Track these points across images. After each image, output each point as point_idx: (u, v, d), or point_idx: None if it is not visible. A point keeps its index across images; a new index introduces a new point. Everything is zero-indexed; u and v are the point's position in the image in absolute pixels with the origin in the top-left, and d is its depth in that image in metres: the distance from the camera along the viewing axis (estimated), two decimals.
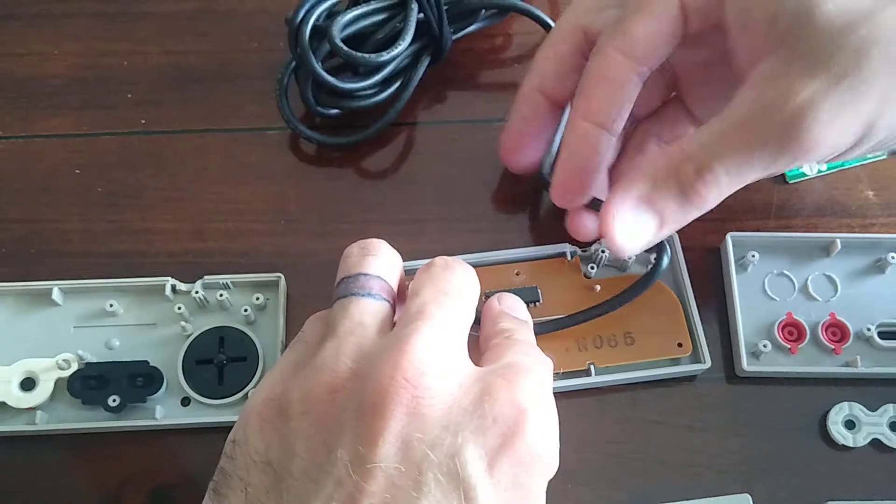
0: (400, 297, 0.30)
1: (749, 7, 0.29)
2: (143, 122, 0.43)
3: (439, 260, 0.30)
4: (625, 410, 0.37)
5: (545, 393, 0.27)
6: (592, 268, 0.37)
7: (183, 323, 0.37)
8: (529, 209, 0.41)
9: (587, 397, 0.36)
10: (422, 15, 0.41)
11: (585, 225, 0.35)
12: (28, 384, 0.36)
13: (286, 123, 0.42)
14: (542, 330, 0.35)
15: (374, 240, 0.30)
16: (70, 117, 0.43)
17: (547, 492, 0.26)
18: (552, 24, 0.43)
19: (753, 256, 0.38)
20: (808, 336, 0.37)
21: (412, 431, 0.24)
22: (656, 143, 0.37)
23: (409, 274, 0.31)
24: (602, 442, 0.36)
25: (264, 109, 0.43)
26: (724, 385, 0.37)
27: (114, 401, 0.35)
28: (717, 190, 0.29)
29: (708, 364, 0.36)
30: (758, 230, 0.40)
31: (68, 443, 0.36)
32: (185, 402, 0.36)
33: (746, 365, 0.36)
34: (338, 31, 0.39)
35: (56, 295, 0.37)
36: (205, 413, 0.36)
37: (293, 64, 0.42)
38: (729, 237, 0.38)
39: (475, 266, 0.31)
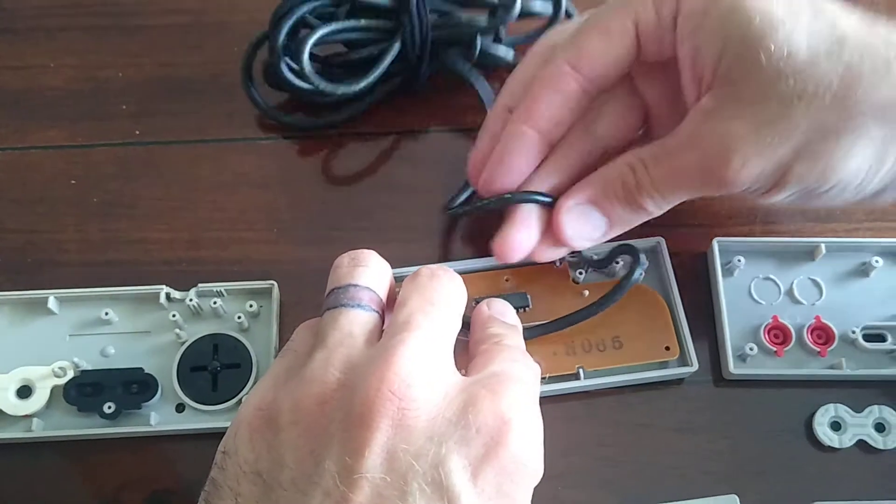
0: (389, 306, 0.31)
1: (699, 44, 0.31)
2: (137, 132, 0.44)
3: (425, 269, 0.30)
4: (614, 414, 0.37)
5: (529, 402, 0.27)
6: (581, 273, 0.38)
7: (177, 330, 0.37)
8: None
9: (576, 401, 0.37)
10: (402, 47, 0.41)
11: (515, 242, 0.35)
12: (24, 392, 0.36)
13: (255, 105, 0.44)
14: (527, 335, 0.36)
15: (365, 251, 0.31)
16: (65, 129, 0.44)
17: (537, 495, 0.27)
18: None
19: (739, 261, 0.39)
20: (793, 339, 0.38)
21: (398, 442, 0.24)
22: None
23: (399, 281, 0.31)
24: (591, 445, 0.36)
25: (256, 119, 0.44)
26: (711, 388, 0.38)
27: (109, 408, 0.35)
28: (657, 204, 0.33)
29: (695, 367, 0.37)
30: (744, 235, 0.40)
31: (64, 450, 0.36)
32: (180, 408, 0.37)
33: (733, 368, 0.37)
34: (309, 47, 0.39)
35: (52, 304, 0.38)
36: (199, 419, 0.36)
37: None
38: (715, 242, 0.39)
39: (464, 273, 0.32)
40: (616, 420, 0.37)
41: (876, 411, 0.37)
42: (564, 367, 0.36)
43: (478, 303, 0.33)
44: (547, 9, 0.44)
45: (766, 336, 0.38)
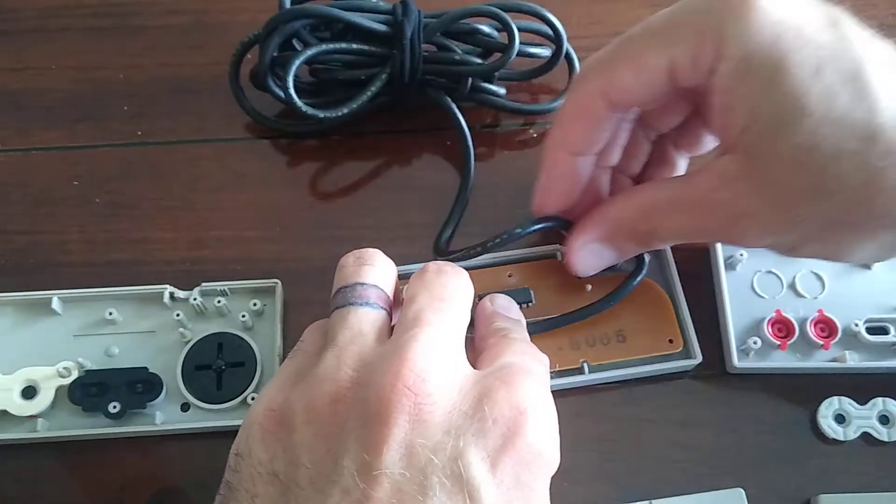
0: (395, 304, 0.31)
1: (730, 106, 0.30)
2: (139, 133, 0.44)
3: (432, 265, 0.30)
4: (618, 408, 0.37)
5: (543, 391, 0.27)
6: None
7: (181, 329, 0.37)
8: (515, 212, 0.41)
9: (581, 395, 0.37)
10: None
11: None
12: (29, 392, 0.36)
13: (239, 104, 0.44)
14: (532, 330, 0.36)
15: (369, 249, 0.31)
16: (67, 130, 0.44)
17: None
18: None
19: (742, 255, 0.39)
20: (796, 332, 0.38)
21: (415, 437, 0.24)
22: (673, 149, 0.37)
23: (403, 279, 0.31)
24: (596, 440, 0.36)
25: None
26: (715, 382, 0.38)
27: (114, 407, 0.35)
28: (667, 244, 0.34)
29: (699, 359, 0.37)
30: None
31: (69, 450, 0.36)
32: (185, 407, 0.37)
33: (737, 362, 0.37)
34: (294, 70, 0.40)
35: (56, 304, 0.38)
36: (204, 418, 0.36)
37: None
38: None
39: (468, 269, 0.32)
40: (621, 415, 0.37)
41: (880, 404, 0.37)
42: (569, 362, 0.37)
43: (481, 298, 0.33)
44: (544, 52, 0.43)
45: (770, 330, 0.38)
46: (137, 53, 0.46)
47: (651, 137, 0.37)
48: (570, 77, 0.45)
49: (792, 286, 0.39)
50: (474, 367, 0.28)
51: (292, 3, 0.41)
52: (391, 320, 0.30)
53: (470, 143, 0.42)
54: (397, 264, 0.32)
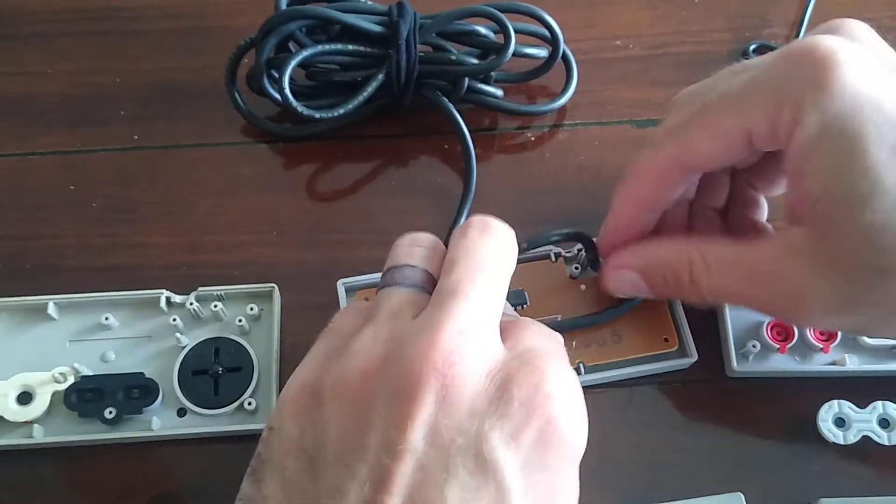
0: None
1: (806, 173, 0.29)
2: (136, 137, 0.44)
3: (476, 221, 0.29)
4: (618, 413, 0.37)
5: (568, 375, 0.27)
6: (577, 268, 0.38)
7: (178, 335, 0.37)
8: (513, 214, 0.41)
9: None
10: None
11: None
12: (25, 398, 0.36)
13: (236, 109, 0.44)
14: None
15: (424, 233, 0.30)
16: (64, 134, 0.44)
17: None
18: None
19: None
20: (796, 336, 0.37)
21: (441, 418, 0.24)
22: (751, 190, 0.37)
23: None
24: (596, 444, 0.36)
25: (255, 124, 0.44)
26: (714, 386, 0.38)
27: (110, 413, 0.35)
28: (701, 301, 0.33)
29: (694, 358, 0.37)
30: None
31: (66, 456, 0.36)
32: (182, 412, 0.36)
33: (736, 365, 0.37)
34: (290, 70, 0.40)
35: (51, 309, 0.37)
36: (201, 423, 0.36)
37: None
38: None
39: None
40: (620, 419, 0.37)
41: (880, 407, 0.36)
42: None
43: None
44: (541, 53, 0.44)
45: (769, 333, 0.37)
46: (135, 58, 0.46)
47: (728, 171, 0.36)
48: (568, 78, 0.45)
49: None
50: (505, 348, 0.28)
51: (288, 5, 0.41)
52: None
53: (470, 143, 0.42)
54: None
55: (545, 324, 0.36)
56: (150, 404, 0.36)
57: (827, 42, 0.28)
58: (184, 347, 0.37)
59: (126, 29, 0.47)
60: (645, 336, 0.37)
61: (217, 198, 0.42)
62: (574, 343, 0.37)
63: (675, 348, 0.37)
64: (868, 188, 0.27)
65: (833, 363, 0.37)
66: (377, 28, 0.41)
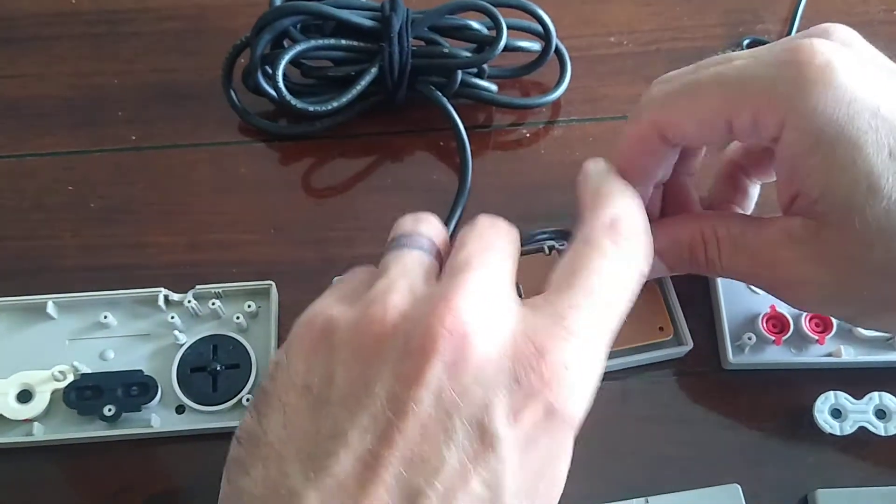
0: (446, 260, 0.30)
1: (801, 174, 0.29)
2: (133, 138, 0.44)
3: (485, 218, 0.30)
4: (615, 406, 0.37)
5: (579, 352, 0.26)
6: None
7: (176, 332, 0.37)
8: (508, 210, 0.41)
9: None
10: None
11: None
12: (24, 396, 0.36)
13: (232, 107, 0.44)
14: None
15: (426, 213, 0.31)
16: (62, 136, 0.44)
17: None
18: None
19: None
20: (791, 328, 0.38)
21: (447, 382, 0.24)
22: (744, 177, 0.37)
23: None
24: (593, 437, 0.36)
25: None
26: (711, 378, 0.38)
27: (109, 410, 0.35)
28: (721, 277, 0.35)
29: (690, 346, 0.37)
30: None
31: (65, 453, 0.36)
32: (180, 409, 0.37)
33: (732, 358, 0.37)
34: (284, 63, 0.40)
35: (51, 308, 0.38)
36: (200, 420, 0.36)
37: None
38: None
39: None
40: (617, 412, 0.37)
41: (876, 398, 0.36)
42: None
43: None
44: (534, 46, 0.44)
45: (765, 325, 0.38)
46: (131, 59, 0.47)
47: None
48: (561, 72, 0.45)
49: None
50: (516, 320, 0.27)
51: (283, 1, 0.42)
52: (440, 271, 0.30)
53: (465, 137, 0.43)
54: None
55: None
56: (149, 402, 0.36)
57: (822, 46, 0.28)
58: (182, 345, 0.37)
59: (122, 31, 0.47)
60: (640, 325, 0.37)
61: (214, 197, 0.42)
62: None
63: (670, 336, 0.37)
64: (866, 192, 0.28)
65: (829, 355, 0.37)
66: (370, 23, 0.41)
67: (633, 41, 0.47)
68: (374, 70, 0.41)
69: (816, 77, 0.28)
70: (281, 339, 0.38)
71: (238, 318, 0.37)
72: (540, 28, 0.43)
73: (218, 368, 0.37)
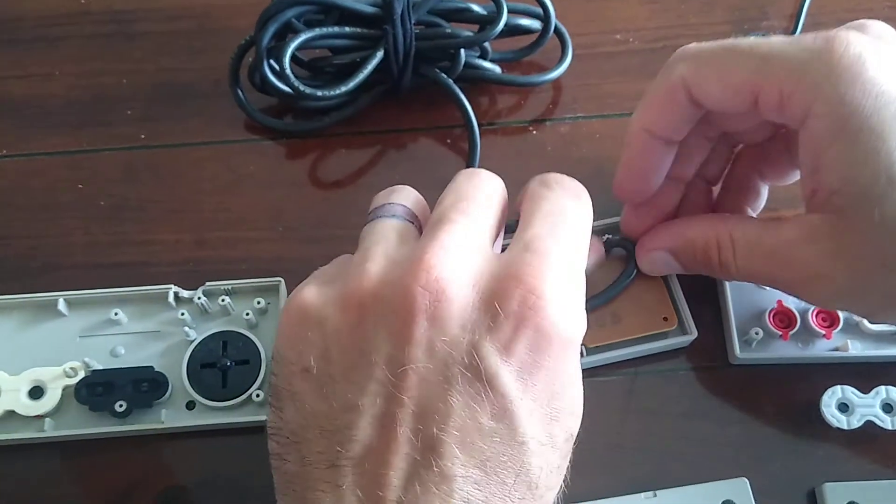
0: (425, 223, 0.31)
1: (823, 163, 0.30)
2: (142, 137, 0.44)
3: (464, 171, 0.31)
4: (621, 400, 0.37)
5: (559, 271, 0.26)
6: None
7: (186, 329, 0.37)
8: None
9: (584, 386, 0.37)
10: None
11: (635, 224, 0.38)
12: (36, 392, 0.36)
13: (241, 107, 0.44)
14: None
15: (402, 185, 0.32)
16: (70, 135, 0.44)
17: None
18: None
19: None
20: (798, 323, 0.38)
21: (435, 334, 0.25)
22: (759, 180, 0.38)
23: None
24: (600, 432, 0.37)
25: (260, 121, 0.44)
26: (718, 373, 0.38)
27: (120, 406, 0.36)
28: (733, 279, 0.35)
29: (695, 334, 0.37)
30: None
31: (76, 449, 0.36)
32: (191, 405, 0.37)
33: (739, 353, 0.37)
34: (291, 50, 0.40)
35: (62, 306, 0.38)
36: (210, 416, 0.37)
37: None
38: None
39: None
40: (624, 407, 0.37)
41: (883, 392, 0.37)
42: None
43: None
44: (535, 25, 0.44)
45: (771, 320, 0.38)
46: (140, 58, 0.47)
47: (731, 144, 0.37)
48: (563, 52, 0.45)
49: None
50: (492, 260, 0.28)
51: None
52: (419, 234, 0.30)
53: (473, 118, 0.43)
54: None
55: None
56: (160, 398, 0.36)
57: (856, 39, 0.29)
58: (192, 341, 0.37)
59: (130, 31, 0.48)
60: (644, 316, 0.38)
61: (223, 194, 0.43)
62: None
63: (674, 326, 0.37)
64: (886, 184, 0.28)
65: (836, 349, 0.37)
66: (371, 9, 0.42)
67: (638, 38, 0.47)
68: (379, 53, 0.41)
69: (847, 67, 0.28)
70: None
71: (248, 314, 0.38)
72: (539, 9, 0.44)
73: (228, 364, 0.37)
